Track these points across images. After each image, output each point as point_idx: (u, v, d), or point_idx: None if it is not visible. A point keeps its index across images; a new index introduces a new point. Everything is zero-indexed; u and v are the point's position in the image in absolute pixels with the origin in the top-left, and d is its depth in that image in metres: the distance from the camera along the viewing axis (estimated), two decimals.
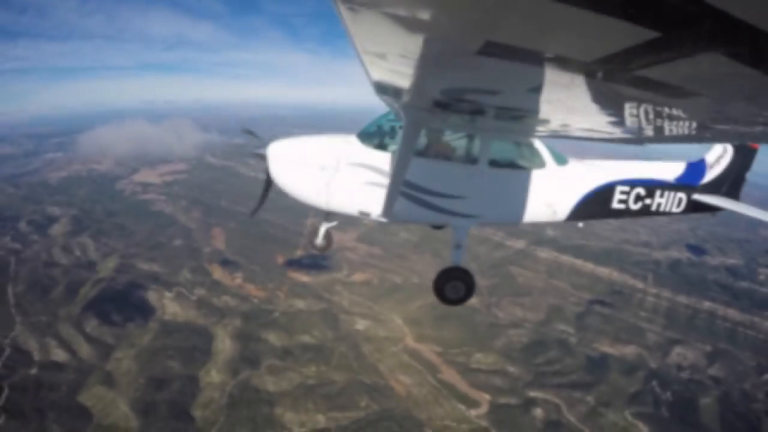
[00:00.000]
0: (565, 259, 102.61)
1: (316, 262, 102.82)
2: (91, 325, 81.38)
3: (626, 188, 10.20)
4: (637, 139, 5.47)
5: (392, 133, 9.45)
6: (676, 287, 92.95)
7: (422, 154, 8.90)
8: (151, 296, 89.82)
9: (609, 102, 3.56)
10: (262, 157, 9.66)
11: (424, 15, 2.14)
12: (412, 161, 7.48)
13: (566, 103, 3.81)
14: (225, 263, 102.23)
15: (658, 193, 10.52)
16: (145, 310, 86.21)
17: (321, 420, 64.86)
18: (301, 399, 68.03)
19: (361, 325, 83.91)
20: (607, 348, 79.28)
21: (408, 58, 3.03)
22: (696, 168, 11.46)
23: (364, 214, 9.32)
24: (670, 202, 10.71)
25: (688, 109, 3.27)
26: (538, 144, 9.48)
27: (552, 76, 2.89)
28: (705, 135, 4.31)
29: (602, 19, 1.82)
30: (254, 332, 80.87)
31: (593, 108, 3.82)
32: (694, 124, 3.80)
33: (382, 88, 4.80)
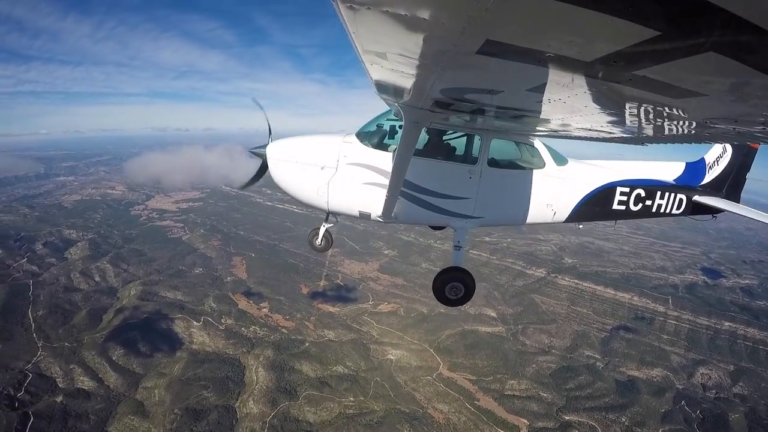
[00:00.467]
0: (586, 285, 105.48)
1: (341, 293, 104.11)
2: (117, 353, 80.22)
3: (626, 189, 10.11)
4: (637, 138, 5.50)
5: (392, 132, 9.34)
6: (695, 309, 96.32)
7: (422, 153, 8.84)
8: (178, 325, 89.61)
9: (609, 102, 3.61)
10: (262, 157, 9.63)
11: (424, 14, 2.18)
12: (412, 161, 7.47)
13: (566, 102, 3.81)
14: (249, 293, 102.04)
15: (658, 194, 10.40)
16: (172, 339, 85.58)
17: None
18: (343, 429, 67.55)
19: (393, 355, 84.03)
20: (633, 371, 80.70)
21: (408, 58, 3.07)
22: (695, 168, 11.48)
23: (364, 214, 9.25)
24: (671, 203, 10.58)
25: (688, 108, 3.31)
26: (538, 144, 9.46)
27: (552, 75, 2.93)
28: (704, 135, 4.32)
29: (602, 18, 1.86)
30: (287, 362, 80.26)
31: (593, 107, 3.86)
32: (694, 124, 3.86)
33: (382, 88, 4.82)
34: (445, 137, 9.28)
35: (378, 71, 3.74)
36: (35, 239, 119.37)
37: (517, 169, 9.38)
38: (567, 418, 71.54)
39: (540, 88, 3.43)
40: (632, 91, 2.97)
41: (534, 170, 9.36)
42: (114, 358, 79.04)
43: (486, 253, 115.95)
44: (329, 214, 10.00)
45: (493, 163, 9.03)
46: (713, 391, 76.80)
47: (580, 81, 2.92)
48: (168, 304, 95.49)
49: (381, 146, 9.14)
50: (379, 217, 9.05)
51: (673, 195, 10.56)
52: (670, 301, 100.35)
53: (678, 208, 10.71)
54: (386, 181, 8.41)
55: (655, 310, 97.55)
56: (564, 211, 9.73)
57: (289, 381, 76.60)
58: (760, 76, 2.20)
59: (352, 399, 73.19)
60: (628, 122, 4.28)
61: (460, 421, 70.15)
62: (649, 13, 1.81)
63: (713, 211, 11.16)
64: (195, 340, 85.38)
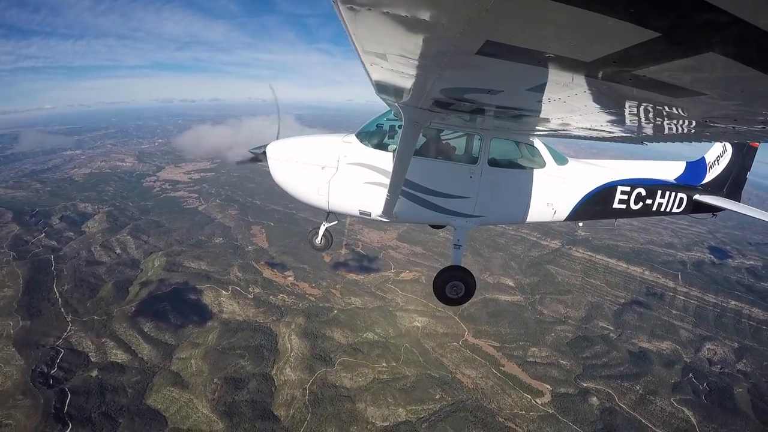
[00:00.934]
0: (599, 258, 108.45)
1: (363, 262, 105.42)
2: (148, 324, 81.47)
3: (627, 188, 10.14)
4: (637, 138, 5.52)
5: (392, 132, 9.41)
6: (703, 287, 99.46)
7: (422, 153, 8.90)
8: (207, 295, 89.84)
9: (609, 101, 3.64)
10: (262, 157, 9.79)
11: (424, 15, 2.20)
12: (412, 161, 7.52)
13: (566, 102, 3.84)
14: (272, 262, 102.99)
15: (659, 193, 10.45)
16: (201, 309, 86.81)
17: (402, 413, 67.18)
18: (379, 394, 70.19)
19: (419, 322, 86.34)
20: (645, 344, 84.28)
21: (408, 59, 3.10)
22: (696, 167, 11.53)
23: (365, 214, 9.33)
24: (671, 202, 10.62)
25: (688, 108, 3.33)
26: (538, 144, 9.48)
27: (552, 75, 2.95)
28: (705, 133, 4.35)
29: (602, 19, 1.88)
30: (318, 330, 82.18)
31: (593, 107, 3.89)
32: (694, 123, 3.88)
33: (382, 88, 4.86)
34: (445, 137, 9.32)
35: (378, 72, 3.80)
36: (50, 214, 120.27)
37: (518, 169, 9.43)
38: (585, 385, 74.91)
39: (540, 88, 3.48)
40: (632, 90, 3.01)
41: (534, 170, 9.43)
42: (146, 330, 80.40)
43: (502, 225, 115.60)
44: (329, 214, 10.04)
45: (494, 162, 9.08)
46: (718, 366, 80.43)
47: (580, 81, 2.97)
48: (194, 275, 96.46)
49: (381, 146, 9.21)
50: (379, 216, 9.17)
51: (673, 194, 10.65)
52: (680, 277, 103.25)
53: (679, 206, 10.80)
54: (386, 181, 8.49)
55: (666, 285, 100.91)
56: (564, 210, 9.82)
57: (323, 348, 78.86)
58: (759, 75, 2.24)
59: (384, 365, 75.82)
60: (628, 121, 4.33)
61: (488, 385, 73.32)
62: (649, 13, 1.85)
63: (714, 209, 11.27)
64: (225, 310, 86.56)
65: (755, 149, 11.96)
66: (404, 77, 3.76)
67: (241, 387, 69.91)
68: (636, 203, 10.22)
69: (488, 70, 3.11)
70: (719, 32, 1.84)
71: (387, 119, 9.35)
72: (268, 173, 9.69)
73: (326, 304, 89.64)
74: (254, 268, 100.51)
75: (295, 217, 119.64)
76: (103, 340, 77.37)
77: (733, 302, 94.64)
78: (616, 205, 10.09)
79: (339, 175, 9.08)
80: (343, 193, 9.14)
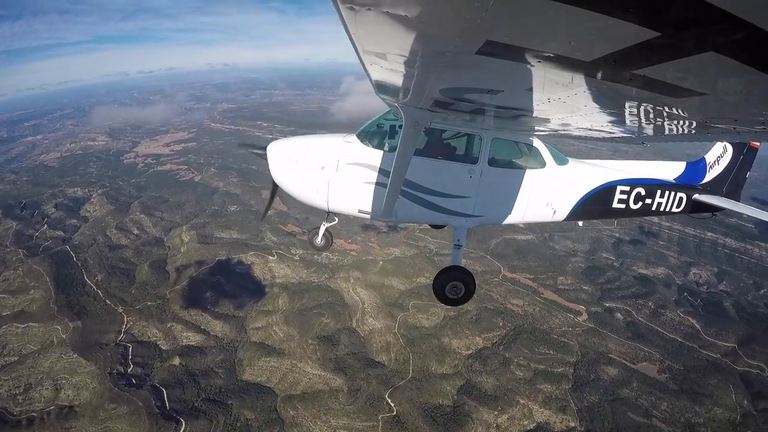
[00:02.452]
0: None
1: None
2: (208, 301, 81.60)
3: (626, 188, 10.07)
4: (637, 138, 5.41)
5: (392, 132, 9.25)
6: (682, 221, 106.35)
7: (422, 153, 8.78)
8: (255, 263, 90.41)
9: (609, 101, 3.60)
10: (262, 157, 9.68)
11: (424, 15, 2.20)
12: (413, 160, 7.50)
13: (566, 102, 3.79)
14: (300, 223, 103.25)
15: (658, 192, 10.38)
16: (254, 278, 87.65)
17: (479, 341, 74.75)
18: (455, 328, 76.57)
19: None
20: (643, 270, 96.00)
21: (408, 58, 3.09)
22: (696, 168, 11.40)
23: (365, 214, 9.26)
24: (671, 201, 10.57)
25: (688, 108, 3.28)
26: (538, 143, 9.35)
27: (552, 75, 2.93)
28: (705, 134, 4.21)
29: (602, 18, 1.86)
30: (376, 280, 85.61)
31: (593, 107, 3.85)
32: (694, 123, 3.81)
33: (382, 88, 4.84)
34: (445, 137, 9.23)
35: (378, 71, 3.81)
36: (40, 204, 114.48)
37: (518, 169, 9.34)
38: (607, 305, 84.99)
39: (540, 88, 3.47)
40: (632, 90, 2.99)
41: (534, 169, 9.35)
42: (208, 307, 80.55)
43: None
44: (329, 214, 9.99)
45: (494, 162, 9.01)
46: (705, 287, 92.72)
47: (580, 81, 2.96)
48: (230, 244, 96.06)
49: (381, 146, 9.12)
50: (379, 216, 9.13)
51: (673, 193, 10.58)
52: None
53: (678, 206, 10.74)
54: (386, 181, 8.43)
55: (651, 221, 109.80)
56: (564, 209, 9.78)
57: (389, 295, 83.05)
58: (760, 75, 2.21)
59: None
60: (628, 122, 4.30)
61: (535, 311, 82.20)
62: (649, 13, 1.83)
63: (713, 209, 11.25)
64: (277, 275, 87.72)
65: (756, 149, 11.91)
66: (404, 77, 3.81)
67: (335, 342, 72.92)
68: (635, 203, 10.23)
69: (488, 70, 3.16)
70: (719, 32, 1.86)
71: (387, 119, 9.29)
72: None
73: (369, 257, 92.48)
74: (284, 231, 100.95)
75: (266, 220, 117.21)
76: (168, 326, 76.62)
77: (708, 233, 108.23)
78: (615, 204, 10.12)
79: (339, 175, 9.04)
80: (342, 193, 9.14)
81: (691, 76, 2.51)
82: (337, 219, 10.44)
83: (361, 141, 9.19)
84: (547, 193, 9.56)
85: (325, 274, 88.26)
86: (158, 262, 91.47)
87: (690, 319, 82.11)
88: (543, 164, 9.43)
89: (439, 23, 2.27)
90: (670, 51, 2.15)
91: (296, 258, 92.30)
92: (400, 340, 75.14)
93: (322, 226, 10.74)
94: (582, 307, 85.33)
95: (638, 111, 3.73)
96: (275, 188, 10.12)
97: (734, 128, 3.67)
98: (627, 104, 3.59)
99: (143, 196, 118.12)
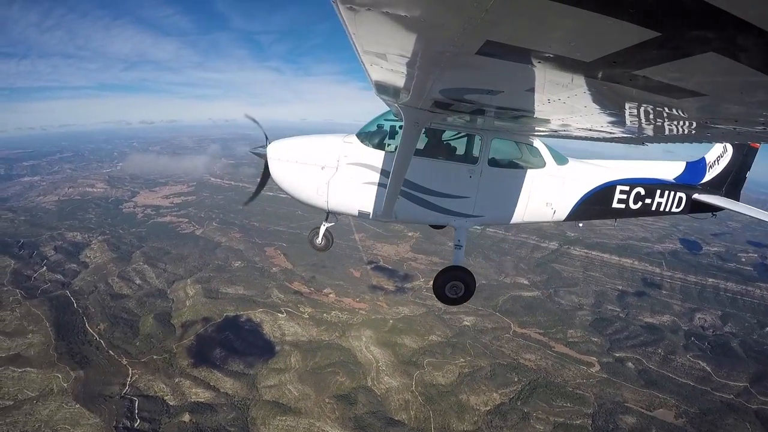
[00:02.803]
0: (594, 254, 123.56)
1: (391, 274, 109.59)
2: (217, 357, 79.28)
3: (626, 188, 10.03)
4: (637, 138, 5.46)
5: (392, 132, 9.22)
6: (683, 270, 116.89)
7: (422, 153, 8.75)
8: (264, 320, 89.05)
9: (609, 102, 3.60)
10: (262, 157, 9.63)
11: (424, 15, 2.21)
12: (413, 161, 7.44)
13: (566, 103, 3.79)
14: (306, 281, 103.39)
15: (658, 192, 10.33)
16: (264, 335, 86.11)
17: (496, 397, 74.92)
18: (471, 384, 76.76)
19: (468, 321, 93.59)
20: (649, 318, 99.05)
21: (408, 59, 3.09)
22: (696, 167, 11.37)
23: (364, 214, 9.24)
24: (670, 201, 10.51)
25: (688, 108, 3.28)
26: (538, 144, 9.35)
27: (552, 76, 2.94)
28: (705, 134, 4.25)
29: (602, 19, 1.85)
30: (387, 339, 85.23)
31: (593, 108, 3.85)
32: (694, 124, 3.82)
33: (382, 89, 4.83)
34: (445, 137, 9.24)
35: (378, 72, 3.80)
36: (38, 245, 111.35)
37: (518, 169, 9.36)
38: (618, 354, 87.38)
39: (540, 89, 3.48)
40: (632, 91, 2.98)
41: (534, 170, 9.36)
42: (217, 363, 78.20)
43: (501, 231, 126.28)
44: (329, 214, 9.98)
45: (494, 162, 9.02)
46: (711, 330, 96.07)
47: (580, 81, 2.95)
48: (237, 300, 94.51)
49: (381, 146, 9.13)
50: (379, 216, 9.06)
51: (672, 193, 10.55)
52: (664, 264, 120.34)
53: (678, 206, 10.69)
54: (386, 181, 8.43)
55: (654, 272, 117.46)
56: (564, 209, 9.76)
57: (402, 353, 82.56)
58: (759, 76, 2.22)
59: (461, 360, 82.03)
60: (628, 122, 4.29)
61: (548, 364, 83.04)
62: (649, 13, 1.83)
63: (713, 209, 11.18)
64: (287, 332, 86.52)
65: (756, 150, 11.97)
66: (404, 77, 3.79)
67: (353, 401, 71.67)
68: (635, 203, 10.18)
69: (488, 71, 3.16)
70: (719, 33, 1.86)
71: (387, 119, 9.30)
72: (250, 194, 10.45)
73: (379, 316, 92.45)
74: (290, 289, 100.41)
75: (301, 236, 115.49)
76: (176, 381, 73.61)
77: (710, 280, 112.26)
78: (615, 204, 10.08)
79: (339, 175, 9.05)
80: (342, 193, 9.12)
81: (691, 76, 2.52)
82: (337, 219, 10.54)
83: (361, 141, 9.23)
84: (547, 193, 9.57)
85: (335, 333, 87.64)
86: (162, 315, 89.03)
87: (700, 362, 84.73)
88: (543, 164, 9.48)
89: (439, 23, 2.28)
90: (669, 52, 2.16)
91: (305, 316, 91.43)
92: (419, 398, 74.75)
93: (322, 226, 10.72)
94: (593, 359, 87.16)
95: (638, 111, 3.74)
96: (266, 177, 9.93)
97: (734, 128, 3.69)
98: (627, 105, 3.60)
99: (144, 246, 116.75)
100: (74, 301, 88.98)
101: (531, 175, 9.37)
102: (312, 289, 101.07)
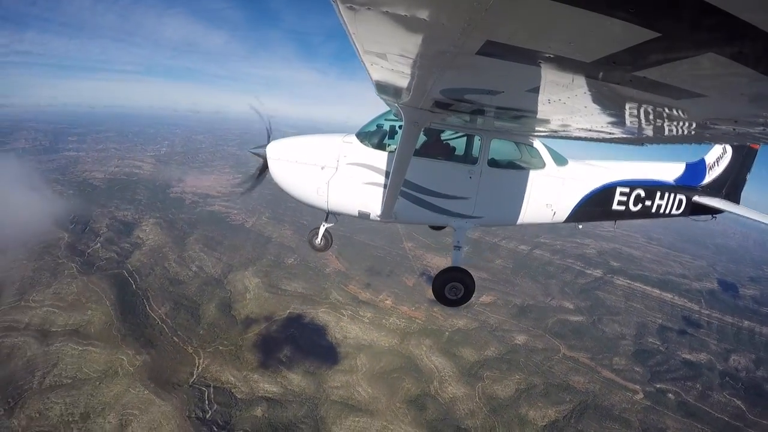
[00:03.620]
0: (637, 285, 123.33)
1: None
2: (284, 353, 79.70)
3: (626, 189, 9.92)
4: (636, 139, 5.38)
5: (392, 132, 9.21)
6: (721, 310, 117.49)
7: (422, 153, 8.66)
8: (327, 319, 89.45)
9: (609, 102, 3.58)
10: (262, 157, 9.60)
11: (424, 15, 2.19)
12: (412, 161, 7.41)
13: (566, 103, 3.78)
14: (363, 285, 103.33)
15: (658, 194, 10.22)
16: (326, 335, 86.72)
17: (551, 414, 77.24)
18: (528, 399, 79.16)
19: (519, 340, 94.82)
20: (687, 355, 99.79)
21: (408, 58, 3.09)
22: (695, 169, 11.24)
23: (364, 214, 9.16)
24: (670, 203, 10.40)
25: (688, 109, 3.28)
26: (538, 144, 9.24)
27: (552, 76, 2.94)
28: (705, 135, 4.19)
29: (602, 19, 1.87)
30: (446, 349, 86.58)
31: (593, 108, 3.83)
32: (694, 125, 3.81)
33: (382, 88, 4.84)
34: (444, 137, 9.19)
35: (378, 71, 3.80)
36: (90, 220, 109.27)
37: (517, 170, 9.25)
38: (658, 386, 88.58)
39: (540, 89, 3.45)
40: (632, 92, 2.97)
41: (534, 170, 9.25)
42: (284, 359, 78.66)
43: (548, 254, 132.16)
44: (329, 214, 9.94)
45: (493, 163, 8.93)
46: (744, 372, 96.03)
47: (580, 82, 2.94)
48: (298, 297, 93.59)
49: (381, 146, 9.06)
50: (378, 216, 9.02)
51: (672, 195, 10.42)
52: (702, 302, 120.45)
53: (678, 208, 10.57)
54: (386, 181, 8.44)
55: (692, 308, 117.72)
56: (564, 211, 9.65)
57: (461, 365, 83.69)
58: (759, 77, 2.21)
59: (517, 376, 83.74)
60: (628, 123, 4.26)
61: (596, 388, 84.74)
62: (649, 14, 1.82)
63: (713, 211, 11.01)
64: (349, 334, 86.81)
65: (755, 151, 11.87)
66: (404, 77, 3.80)
67: (422, 407, 73.10)
68: (635, 204, 10.10)
69: (488, 71, 3.15)
70: (719, 33, 1.85)
71: (387, 119, 9.29)
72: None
73: (435, 327, 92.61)
74: (347, 291, 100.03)
75: (353, 240, 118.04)
76: (244, 374, 73.91)
77: (746, 322, 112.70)
78: (615, 206, 9.98)
79: (339, 175, 8.99)
80: (342, 193, 9.06)
81: (691, 77, 2.52)
82: (337, 219, 10.53)
83: (361, 141, 9.16)
84: (547, 194, 9.47)
85: (395, 339, 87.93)
86: (223, 305, 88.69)
87: (735, 400, 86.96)
88: (543, 165, 9.36)
89: (440, 23, 2.28)
90: (670, 52, 2.17)
91: (366, 320, 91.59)
92: (484, 408, 75.83)
93: (321, 226, 10.72)
94: (637, 387, 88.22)
95: (638, 112, 3.72)
96: (264, 170, 9.89)
97: (733, 129, 3.65)
98: (627, 105, 3.57)
99: (196, 233, 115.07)
100: (132, 282, 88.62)
101: (531, 176, 9.30)
102: (369, 294, 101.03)
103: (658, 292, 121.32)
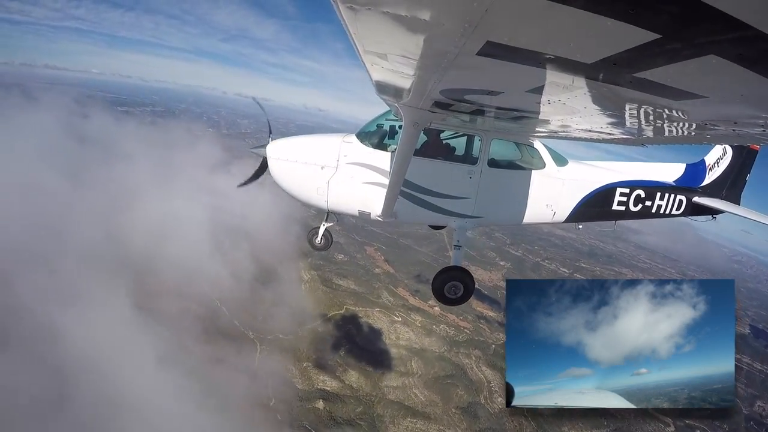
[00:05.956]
0: None
1: (488, 297, 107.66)
2: (341, 348, 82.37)
3: (626, 190, 9.98)
4: (636, 140, 5.40)
5: (392, 132, 9.32)
6: (750, 355, 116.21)
7: (422, 153, 8.75)
8: (381, 320, 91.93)
9: (609, 103, 3.57)
10: (262, 156, 9.78)
11: (425, 15, 2.19)
12: (412, 161, 7.48)
13: (566, 104, 3.78)
14: (411, 289, 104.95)
15: (658, 195, 10.24)
16: (380, 335, 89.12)
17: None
18: (570, 419, 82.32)
19: None
20: None
21: (408, 59, 3.11)
22: (695, 170, 11.28)
23: (364, 214, 9.32)
24: (671, 204, 10.45)
25: (688, 110, 3.26)
26: (538, 144, 9.27)
27: (552, 77, 2.93)
28: (704, 136, 4.17)
29: (603, 20, 1.88)
30: (494, 362, 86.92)
31: (593, 109, 3.83)
32: (694, 126, 3.79)
33: (382, 88, 4.89)
34: (445, 137, 9.29)
35: (378, 72, 3.84)
36: None
37: (517, 170, 9.30)
38: (688, 422, 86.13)
39: (540, 90, 3.43)
40: (632, 93, 2.95)
41: (534, 171, 9.30)
42: (342, 354, 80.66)
43: (568, 271, 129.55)
44: (329, 214, 10.09)
45: (493, 163, 8.98)
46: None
47: (581, 83, 2.92)
48: (352, 295, 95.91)
49: (381, 146, 9.18)
50: (378, 216, 9.18)
51: (672, 196, 10.44)
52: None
53: (678, 209, 10.61)
54: (386, 181, 8.58)
55: None
56: (563, 211, 9.69)
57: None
58: (760, 79, 2.19)
59: None
60: (628, 123, 4.25)
61: (630, 416, 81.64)
62: (650, 15, 1.83)
63: (713, 212, 11.06)
64: (401, 337, 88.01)
65: (756, 152, 11.90)
66: (404, 77, 3.81)
67: (474, 415, 74.25)
68: (635, 205, 10.18)
69: (488, 72, 3.12)
70: (720, 35, 1.86)
71: (387, 119, 9.42)
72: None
73: (482, 338, 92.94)
74: (397, 294, 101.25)
75: (398, 243, 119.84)
76: (304, 365, 76.21)
77: None
78: (615, 206, 10.05)
79: (339, 175, 9.18)
80: (342, 192, 9.25)
81: (691, 79, 2.49)
82: (337, 219, 10.69)
83: (361, 141, 9.30)
84: (547, 194, 9.52)
85: (444, 347, 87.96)
86: (279, 294, 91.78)
87: None
88: (543, 165, 9.37)
89: (440, 24, 2.27)
90: (670, 53, 2.15)
91: (417, 324, 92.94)
92: (531, 422, 79.43)
93: (321, 226, 10.81)
94: (669, 419, 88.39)
95: (638, 113, 3.70)
96: (263, 167, 10.08)
97: (733, 130, 3.62)
98: (627, 106, 3.55)
99: None
100: None
101: (531, 176, 9.39)
102: (417, 298, 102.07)
103: None
